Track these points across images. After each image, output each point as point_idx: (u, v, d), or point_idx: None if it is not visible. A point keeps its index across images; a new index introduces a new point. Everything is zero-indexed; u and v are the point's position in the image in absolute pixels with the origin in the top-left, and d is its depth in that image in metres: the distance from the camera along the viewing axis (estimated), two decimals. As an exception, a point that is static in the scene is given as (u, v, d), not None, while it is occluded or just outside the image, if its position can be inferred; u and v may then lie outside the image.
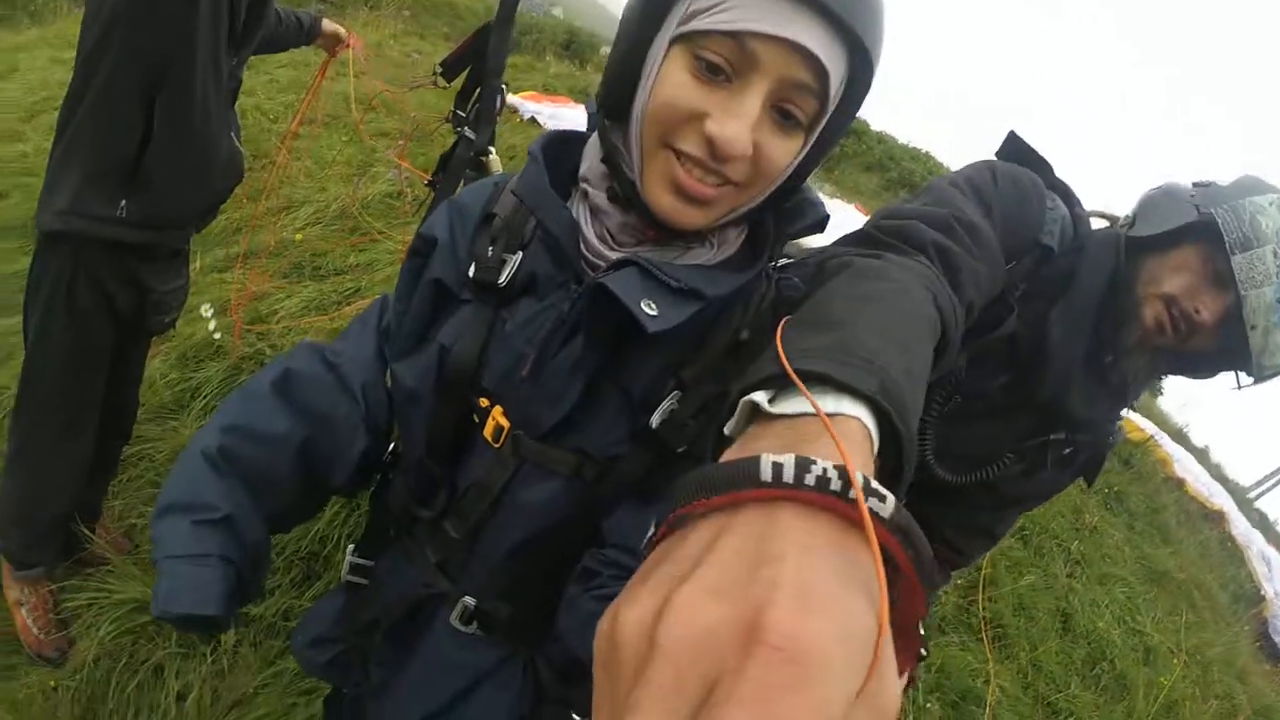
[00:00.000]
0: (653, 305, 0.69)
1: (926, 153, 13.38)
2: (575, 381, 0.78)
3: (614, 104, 0.73)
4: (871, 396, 0.43)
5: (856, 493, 0.33)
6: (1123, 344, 1.13)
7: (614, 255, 0.78)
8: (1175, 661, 4.11)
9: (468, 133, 1.71)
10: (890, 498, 0.33)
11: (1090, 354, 1.15)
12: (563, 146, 0.85)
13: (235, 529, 0.83)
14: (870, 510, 0.32)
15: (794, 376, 0.44)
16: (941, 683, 2.96)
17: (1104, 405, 1.20)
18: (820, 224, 0.80)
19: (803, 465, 0.34)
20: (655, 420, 0.77)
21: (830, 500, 0.33)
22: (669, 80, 0.68)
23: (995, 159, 1.21)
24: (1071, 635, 3.86)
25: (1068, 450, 1.24)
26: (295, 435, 0.89)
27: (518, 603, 0.86)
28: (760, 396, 0.45)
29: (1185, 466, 6.84)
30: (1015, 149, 1.22)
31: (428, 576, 0.89)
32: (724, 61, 0.65)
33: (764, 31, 0.63)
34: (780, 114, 0.68)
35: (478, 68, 1.63)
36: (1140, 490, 5.88)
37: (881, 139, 13.08)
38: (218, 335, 2.74)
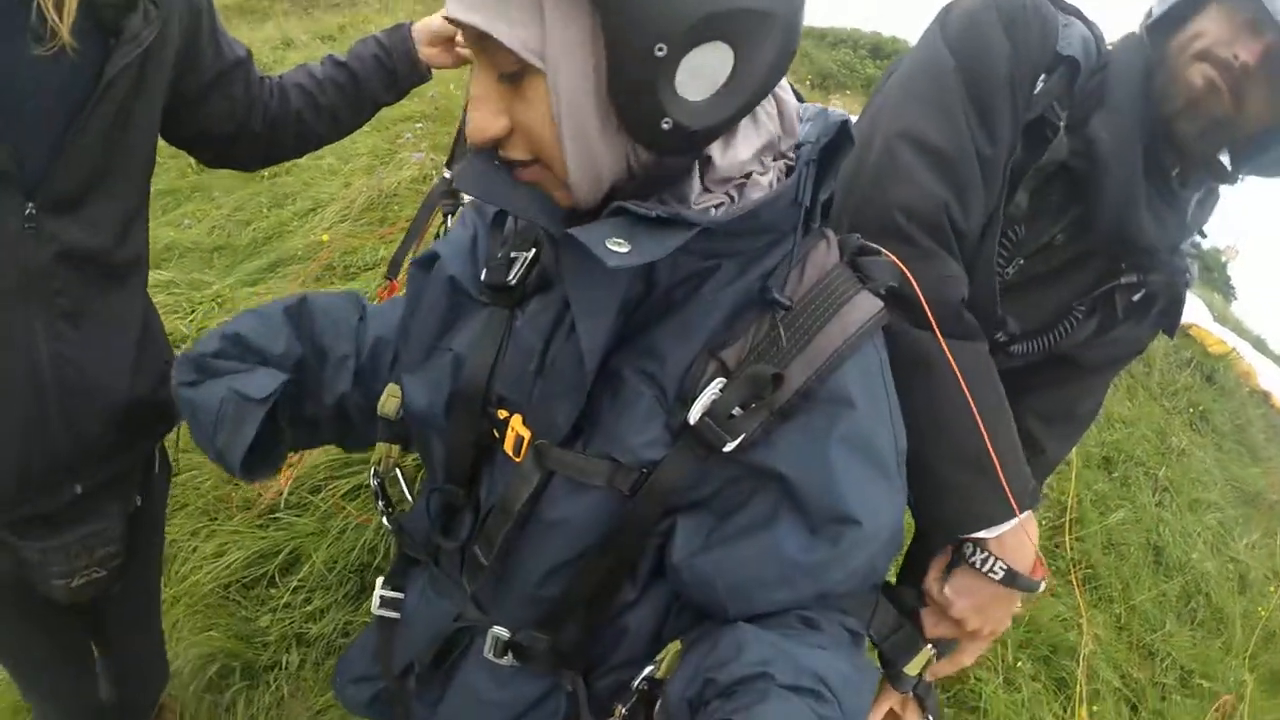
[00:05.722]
0: (622, 242, 0.57)
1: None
2: (585, 369, 0.67)
3: None
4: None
5: None
6: (1174, 116, 1.03)
7: None
8: (1272, 589, 3.93)
9: (446, 173, 1.71)
10: None
11: (1151, 163, 1.05)
12: None
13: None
14: None
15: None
16: (1031, 637, 2.84)
17: (1174, 226, 1.11)
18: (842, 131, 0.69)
19: None
20: (694, 414, 0.65)
21: None
22: None
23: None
24: (1164, 569, 3.68)
25: (1140, 295, 1.16)
26: (289, 359, 0.88)
27: (558, 633, 0.77)
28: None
29: (1270, 378, 6.47)
30: None
31: (458, 607, 0.83)
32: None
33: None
34: (504, 77, 0.60)
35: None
36: (1225, 407, 5.57)
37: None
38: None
